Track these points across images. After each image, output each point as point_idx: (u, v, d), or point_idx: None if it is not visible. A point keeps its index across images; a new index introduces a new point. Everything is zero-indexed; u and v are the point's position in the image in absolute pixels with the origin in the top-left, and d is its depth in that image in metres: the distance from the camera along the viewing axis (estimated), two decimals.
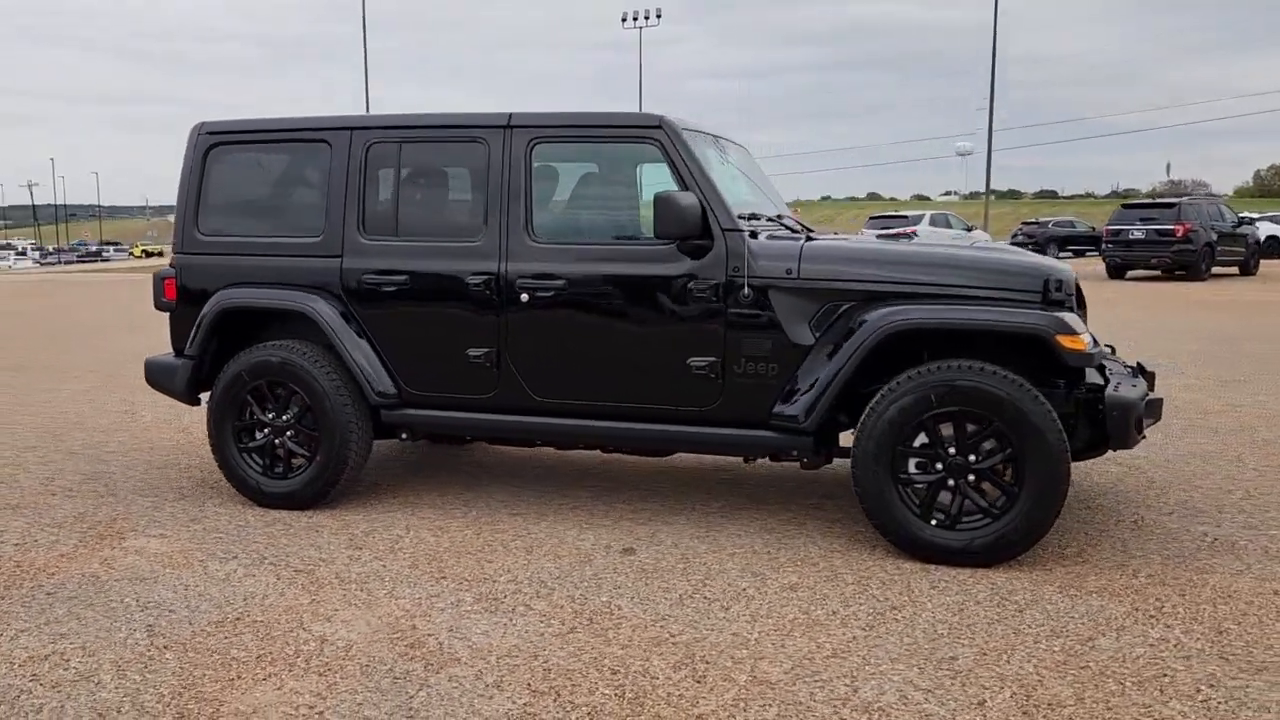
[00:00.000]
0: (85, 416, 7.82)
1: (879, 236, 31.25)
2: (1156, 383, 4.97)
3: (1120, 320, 13.68)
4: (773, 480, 5.69)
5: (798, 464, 4.72)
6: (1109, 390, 4.22)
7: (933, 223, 28.91)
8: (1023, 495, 4.13)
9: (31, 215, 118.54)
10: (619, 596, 3.96)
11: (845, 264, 4.50)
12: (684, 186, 4.56)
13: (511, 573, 4.23)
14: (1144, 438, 4.37)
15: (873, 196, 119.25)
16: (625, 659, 3.40)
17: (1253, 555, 4.35)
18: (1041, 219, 42.00)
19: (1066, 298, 4.32)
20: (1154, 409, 4.41)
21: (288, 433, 5.14)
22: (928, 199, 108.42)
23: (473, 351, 4.86)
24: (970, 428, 4.20)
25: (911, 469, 4.29)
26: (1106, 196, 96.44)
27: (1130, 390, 4.28)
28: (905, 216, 30.36)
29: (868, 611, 3.78)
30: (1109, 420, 4.19)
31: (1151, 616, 3.72)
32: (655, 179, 4.72)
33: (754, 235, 4.62)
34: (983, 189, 49.68)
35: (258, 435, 5.21)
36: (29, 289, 28.80)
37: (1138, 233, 22.67)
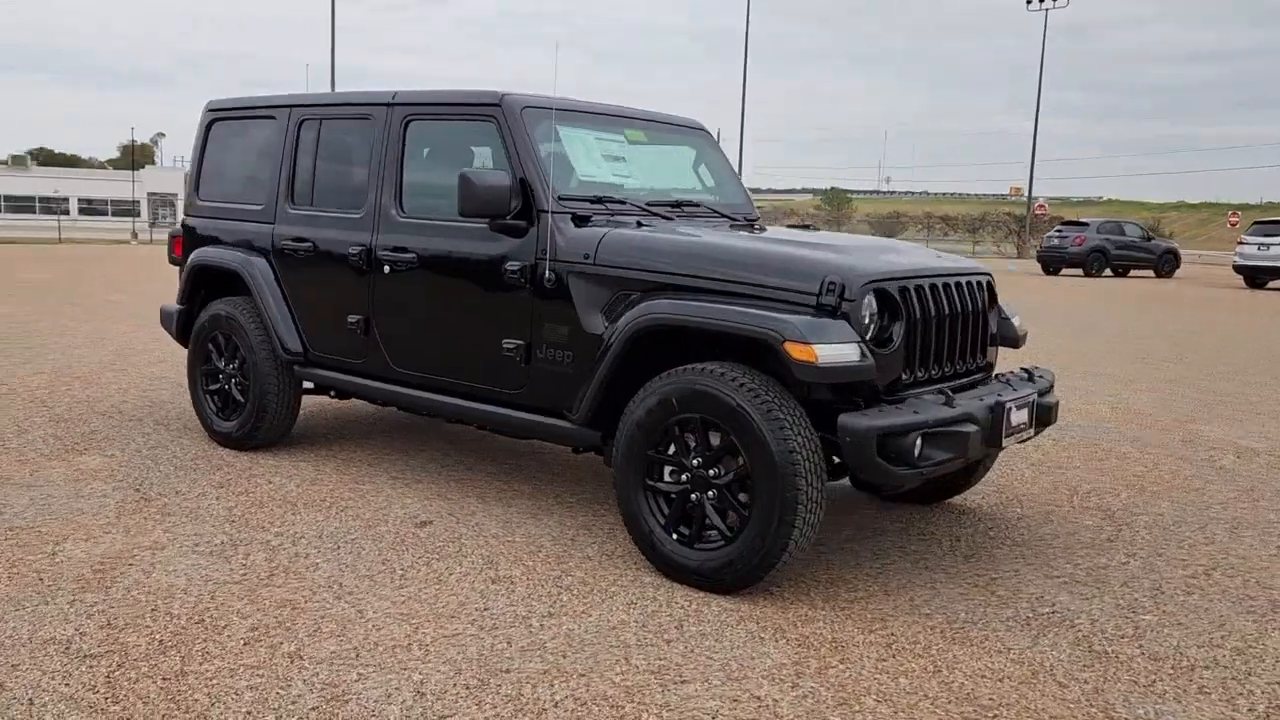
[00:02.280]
0: None
1: (1258, 244, 27.27)
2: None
3: None
4: None
5: None
6: (845, 415, 3.64)
7: None
8: (752, 518, 3.70)
9: None
10: (345, 560, 4.08)
11: (637, 253, 4.23)
12: (510, 165, 4.51)
13: (293, 528, 4.47)
14: (922, 472, 3.72)
15: None
16: (263, 608, 3.54)
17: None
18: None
19: (842, 303, 3.76)
20: (966, 440, 3.73)
21: (234, 379, 5.73)
22: None
23: (350, 318, 5.14)
24: (714, 438, 3.82)
25: (665, 477, 3.98)
26: None
27: (897, 416, 3.66)
28: None
29: (497, 613, 3.62)
30: (842, 446, 3.62)
31: (803, 671, 3.22)
32: (492, 158, 4.70)
33: (583, 219, 4.46)
34: None
35: (219, 380, 5.85)
36: None
37: None
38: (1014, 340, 4.69)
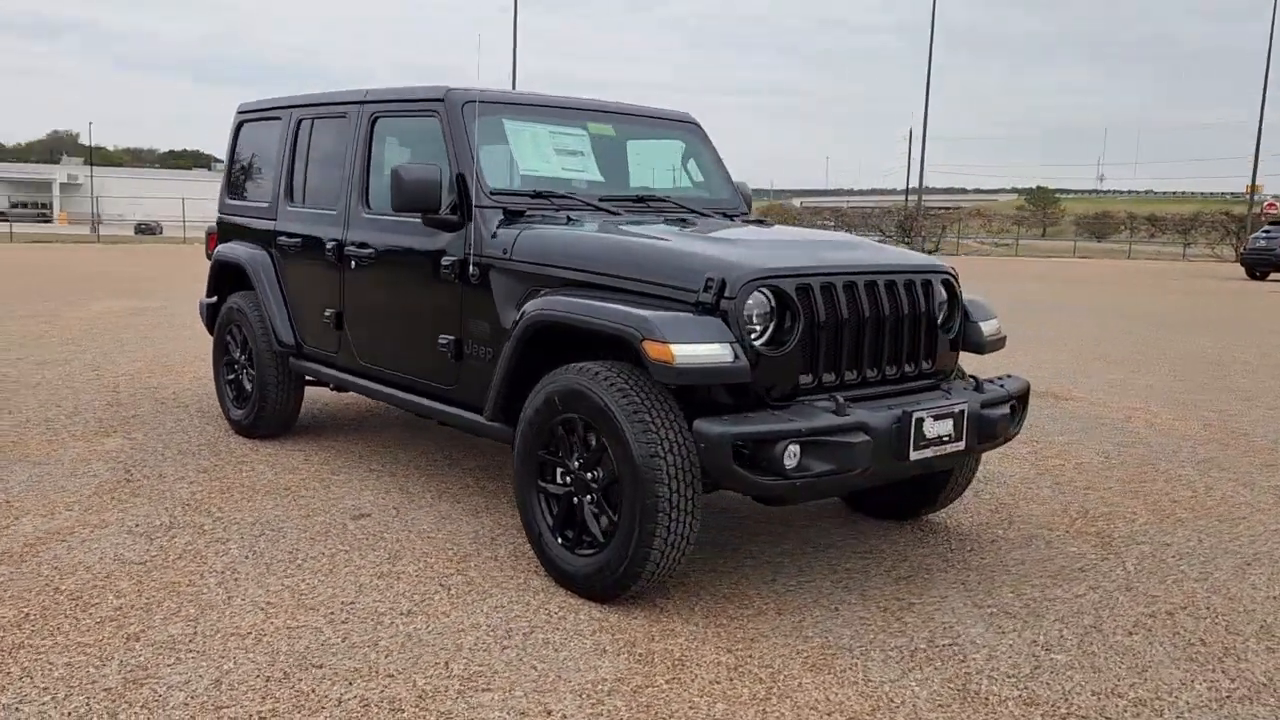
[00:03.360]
0: None
1: None
2: None
3: None
4: None
5: None
6: (701, 419, 3.39)
7: None
8: (619, 524, 3.53)
9: None
10: (258, 548, 4.17)
11: (545, 250, 4.12)
12: (450, 159, 4.49)
13: (237, 514, 4.60)
14: (796, 484, 3.42)
15: None
16: (144, 589, 3.67)
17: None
18: None
19: (722, 300, 3.52)
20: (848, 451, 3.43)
21: (245, 370, 5.98)
22: None
23: (326, 312, 5.26)
24: (593, 439, 3.67)
25: (556, 478, 3.86)
26: None
27: (764, 422, 3.40)
28: None
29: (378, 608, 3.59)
30: (699, 452, 3.39)
31: (620, 689, 3.04)
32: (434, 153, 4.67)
33: (515, 214, 4.39)
34: None
35: (234, 369, 6.12)
36: None
37: None
38: (979, 345, 4.29)
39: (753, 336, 3.54)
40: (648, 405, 3.47)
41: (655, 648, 3.34)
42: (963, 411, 3.80)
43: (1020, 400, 4.28)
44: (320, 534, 4.35)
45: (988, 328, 4.32)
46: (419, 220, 4.57)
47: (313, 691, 2.99)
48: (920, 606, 3.74)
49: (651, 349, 3.39)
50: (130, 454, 5.57)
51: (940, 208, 71.35)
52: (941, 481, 4.50)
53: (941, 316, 4.15)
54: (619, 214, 4.59)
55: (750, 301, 3.54)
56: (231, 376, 6.13)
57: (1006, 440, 4.18)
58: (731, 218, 5.11)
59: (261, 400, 5.78)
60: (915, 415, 3.63)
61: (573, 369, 3.69)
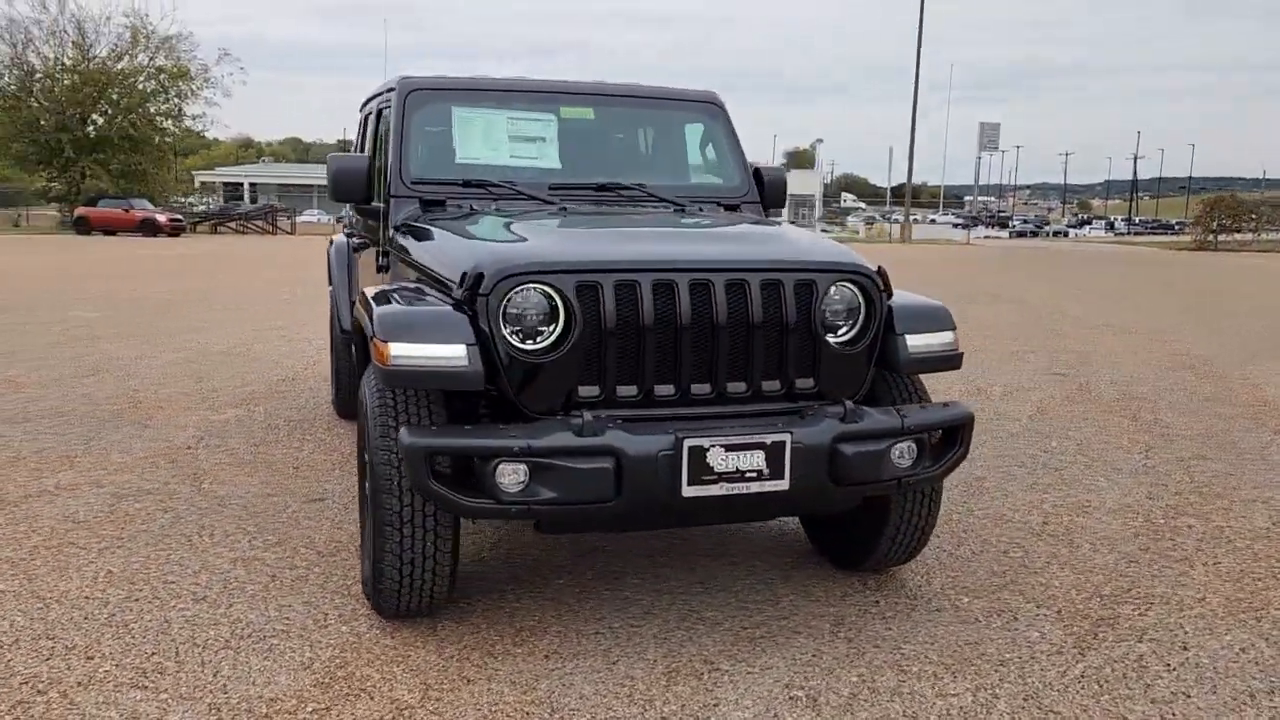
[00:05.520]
0: None
1: None
2: None
3: None
4: None
5: None
6: (403, 429, 3.01)
7: None
8: (364, 535, 3.31)
9: (1131, 188, 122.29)
10: (169, 520, 4.40)
11: (410, 243, 3.94)
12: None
13: (205, 487, 4.87)
14: (511, 510, 2.94)
15: None
16: (16, 544, 4.06)
17: None
18: None
19: (475, 297, 3.09)
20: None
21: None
22: None
23: (353, 298, 5.42)
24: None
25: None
26: None
27: (476, 436, 2.97)
28: None
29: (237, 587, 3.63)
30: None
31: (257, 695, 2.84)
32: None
33: (435, 205, 4.22)
34: None
35: None
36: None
37: None
38: (896, 364, 3.44)
39: (523, 338, 3.10)
40: (401, 410, 3.18)
41: (349, 672, 3.06)
42: (781, 444, 3.06)
43: (948, 436, 3.39)
44: (247, 512, 4.50)
45: (917, 341, 3.45)
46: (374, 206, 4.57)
47: (18, 661, 3.08)
48: (683, 658, 3.09)
49: (375, 348, 3.10)
50: (223, 425, 6.13)
51: None
52: (877, 524, 3.68)
53: (848, 327, 3.38)
54: (556, 203, 4.24)
55: (520, 299, 3.10)
56: None
57: (909, 486, 3.32)
58: (734, 208, 4.54)
59: (337, 380, 6.14)
60: (692, 443, 2.99)
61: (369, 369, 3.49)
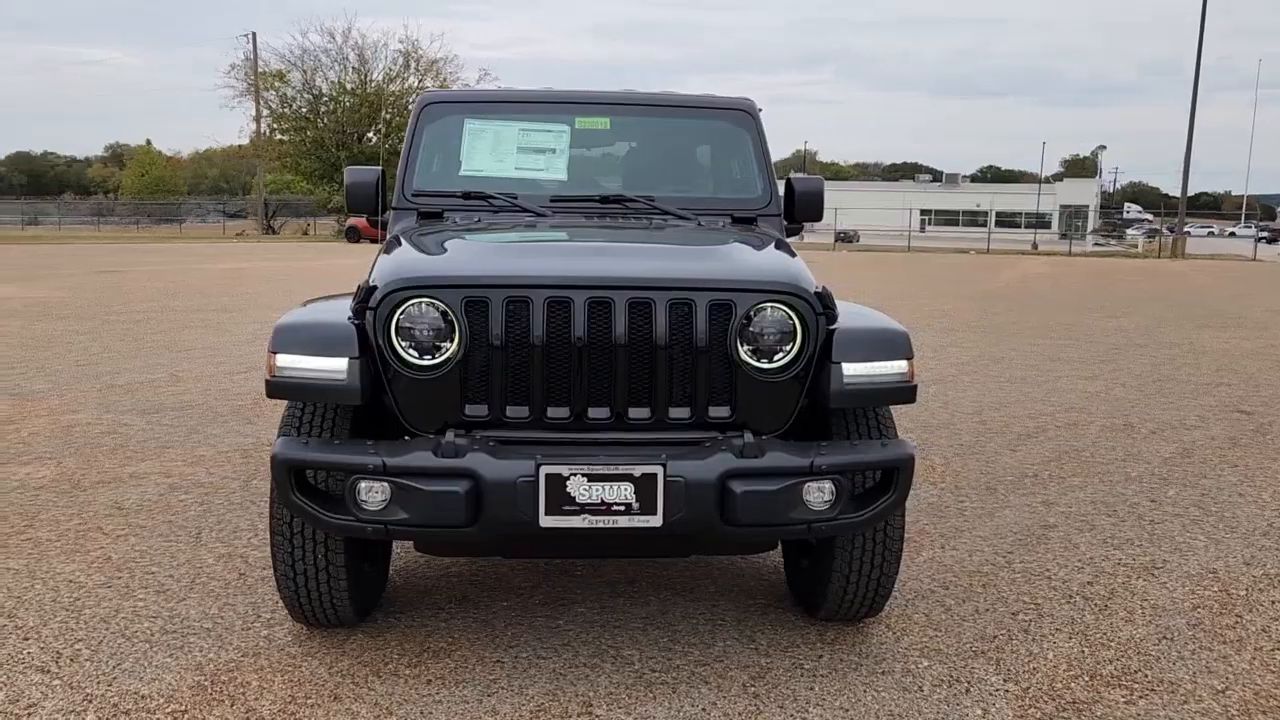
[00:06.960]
0: None
1: None
2: None
3: None
4: None
5: None
6: (279, 439, 2.98)
7: None
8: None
9: None
10: (131, 506, 4.66)
11: (382, 255, 3.91)
12: None
13: (191, 476, 5.14)
14: (368, 529, 2.86)
15: None
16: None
17: None
18: None
19: (366, 311, 3.04)
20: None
21: None
22: None
23: None
24: None
25: None
26: None
27: (338, 451, 2.91)
28: None
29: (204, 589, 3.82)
30: None
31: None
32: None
33: (434, 217, 4.23)
34: None
35: None
36: None
37: None
38: (825, 395, 3.10)
39: (420, 354, 3.03)
40: (298, 422, 3.20)
41: (233, 677, 3.10)
42: (653, 476, 2.82)
43: (885, 479, 3.03)
44: (209, 503, 4.60)
45: (854, 370, 3.10)
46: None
47: None
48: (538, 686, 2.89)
49: (270, 360, 3.13)
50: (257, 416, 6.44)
51: None
52: (823, 573, 3.34)
53: (784, 353, 3.08)
54: (546, 214, 4.14)
55: (414, 313, 3.04)
56: None
57: (822, 531, 2.98)
58: (749, 220, 4.28)
59: None
60: (550, 470, 2.81)
61: None
